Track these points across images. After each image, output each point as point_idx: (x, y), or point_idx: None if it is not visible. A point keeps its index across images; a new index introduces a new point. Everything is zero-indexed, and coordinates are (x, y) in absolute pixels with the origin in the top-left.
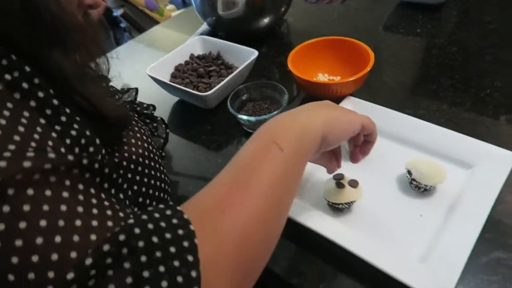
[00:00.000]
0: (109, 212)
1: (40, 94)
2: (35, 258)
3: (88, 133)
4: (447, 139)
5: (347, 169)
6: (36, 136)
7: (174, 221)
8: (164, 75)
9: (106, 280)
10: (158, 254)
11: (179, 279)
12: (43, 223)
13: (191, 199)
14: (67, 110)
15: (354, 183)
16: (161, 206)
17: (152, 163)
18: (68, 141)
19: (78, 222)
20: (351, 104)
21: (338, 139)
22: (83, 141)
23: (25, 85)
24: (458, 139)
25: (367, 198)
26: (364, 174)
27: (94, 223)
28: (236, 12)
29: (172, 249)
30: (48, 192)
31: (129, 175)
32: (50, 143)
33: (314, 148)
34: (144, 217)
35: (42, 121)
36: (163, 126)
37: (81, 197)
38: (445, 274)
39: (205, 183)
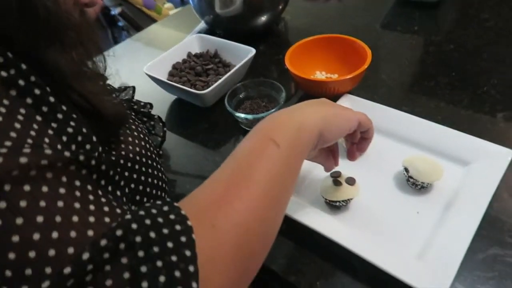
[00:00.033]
0: (106, 209)
1: (37, 92)
2: (32, 254)
3: (84, 130)
4: (444, 137)
5: (344, 166)
6: (32, 132)
7: (172, 216)
8: (162, 73)
9: (103, 275)
10: (156, 249)
11: (177, 274)
12: (40, 219)
13: (189, 196)
14: (64, 108)
15: (351, 181)
16: (159, 202)
17: (150, 162)
18: (64, 138)
19: (75, 218)
20: (348, 102)
21: (335, 136)
22: (79, 138)
23: (21, 82)
24: (455, 136)
25: (364, 195)
26: (361, 171)
27: (91, 219)
28: (234, 10)
29: (170, 244)
30: (44, 188)
31: (126, 173)
32: (46, 139)
33: (311, 145)
34: (142, 212)
35: (39, 118)
36: (161, 124)
37: (78, 193)
38: (442, 270)
39: (203, 181)
